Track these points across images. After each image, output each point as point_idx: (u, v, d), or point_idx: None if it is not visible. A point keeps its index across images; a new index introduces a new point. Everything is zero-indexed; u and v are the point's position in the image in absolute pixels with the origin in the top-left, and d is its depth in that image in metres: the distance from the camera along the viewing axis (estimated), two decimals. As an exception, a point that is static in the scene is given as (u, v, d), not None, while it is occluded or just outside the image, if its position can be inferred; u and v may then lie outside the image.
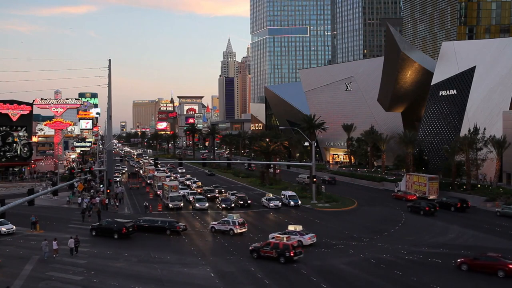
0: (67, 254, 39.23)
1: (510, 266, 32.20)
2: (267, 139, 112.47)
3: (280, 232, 43.02)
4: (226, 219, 48.73)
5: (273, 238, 40.82)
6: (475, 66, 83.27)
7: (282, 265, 35.83)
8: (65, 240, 41.03)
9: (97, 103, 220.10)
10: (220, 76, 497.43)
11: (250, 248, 38.97)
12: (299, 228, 43.74)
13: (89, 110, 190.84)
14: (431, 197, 66.31)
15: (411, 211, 59.07)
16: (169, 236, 47.18)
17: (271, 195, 67.13)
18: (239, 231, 46.96)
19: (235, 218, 48.31)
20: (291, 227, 44.12)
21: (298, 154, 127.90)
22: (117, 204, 66.15)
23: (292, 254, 36.20)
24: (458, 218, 54.51)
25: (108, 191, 68.04)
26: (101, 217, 53.82)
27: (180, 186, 74.73)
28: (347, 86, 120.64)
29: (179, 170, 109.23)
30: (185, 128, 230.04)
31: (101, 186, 77.29)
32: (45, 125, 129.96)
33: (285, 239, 38.31)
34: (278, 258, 36.53)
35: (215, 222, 49.62)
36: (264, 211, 61.93)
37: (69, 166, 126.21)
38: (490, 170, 74.03)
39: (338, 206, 64.71)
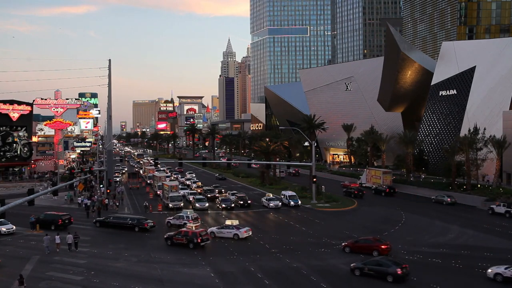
0: (68, 254, 39.28)
1: (383, 247, 37.41)
2: (267, 139, 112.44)
3: (219, 226, 47.35)
4: (180, 214, 51.32)
5: (211, 232, 45.41)
6: (475, 66, 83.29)
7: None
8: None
9: (97, 103, 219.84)
10: (220, 76, 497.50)
11: (165, 236, 43.00)
12: (235, 222, 47.31)
13: (89, 110, 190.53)
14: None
15: (345, 194, 73.81)
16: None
17: (271, 195, 67.12)
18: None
19: (188, 213, 50.83)
20: (228, 222, 47.24)
21: (298, 154, 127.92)
22: (117, 204, 66.20)
23: (199, 241, 40.76)
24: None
25: (108, 191, 68.07)
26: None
27: (180, 186, 74.76)
28: (347, 86, 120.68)
29: (188, 175, 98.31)
30: (185, 128, 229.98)
31: (101, 186, 77.28)
32: (45, 125, 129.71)
33: (194, 228, 42.14)
34: (188, 244, 40.94)
35: (171, 218, 51.91)
36: (264, 211, 61.93)
37: (69, 166, 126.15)
38: (490, 170, 74.04)
39: (338, 206, 64.71)
